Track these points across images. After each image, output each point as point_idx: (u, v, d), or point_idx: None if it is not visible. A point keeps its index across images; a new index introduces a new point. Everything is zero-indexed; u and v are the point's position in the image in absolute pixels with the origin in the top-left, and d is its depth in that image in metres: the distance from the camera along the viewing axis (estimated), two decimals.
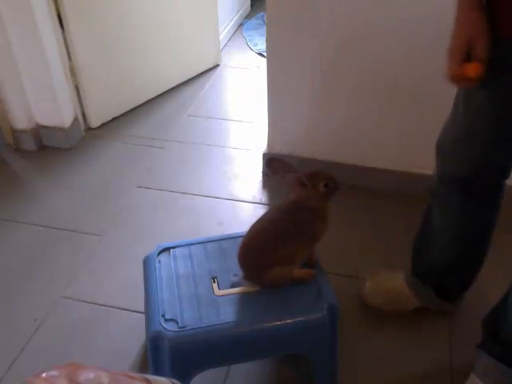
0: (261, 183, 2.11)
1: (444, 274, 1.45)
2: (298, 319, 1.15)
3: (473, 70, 1.03)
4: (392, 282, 1.55)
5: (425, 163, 1.54)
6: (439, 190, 1.33)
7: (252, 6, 3.61)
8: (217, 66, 2.93)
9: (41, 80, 2.15)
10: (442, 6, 1.61)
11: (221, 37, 2.99)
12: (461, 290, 1.51)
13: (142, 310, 1.33)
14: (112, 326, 1.56)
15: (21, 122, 2.25)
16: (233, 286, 1.20)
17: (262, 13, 3.44)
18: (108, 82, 2.40)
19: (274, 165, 1.21)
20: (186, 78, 2.77)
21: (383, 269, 1.61)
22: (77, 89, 2.32)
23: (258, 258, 1.17)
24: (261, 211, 1.95)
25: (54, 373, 0.50)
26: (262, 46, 3.07)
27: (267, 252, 1.16)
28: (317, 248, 1.29)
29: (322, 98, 1.87)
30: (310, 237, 1.21)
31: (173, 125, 2.46)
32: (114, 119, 2.49)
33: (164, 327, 1.12)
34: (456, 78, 1.06)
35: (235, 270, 1.22)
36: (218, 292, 1.19)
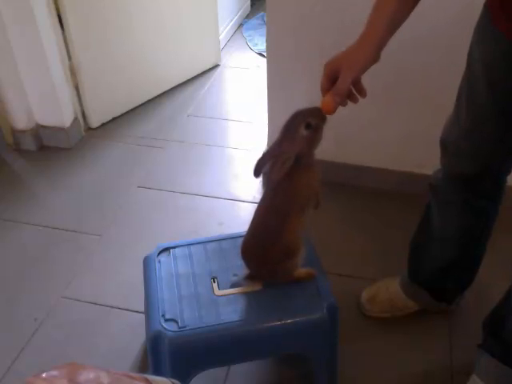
0: (261, 183, 2.11)
1: (442, 274, 1.45)
2: (298, 319, 1.15)
3: (325, 103, 1.02)
4: (387, 291, 1.55)
5: (424, 163, 1.55)
6: (442, 187, 1.33)
7: (252, 5, 3.61)
8: (217, 65, 2.93)
9: (41, 80, 2.15)
10: (440, 3, 1.61)
11: (221, 37, 2.99)
12: (459, 290, 1.51)
13: (142, 309, 1.33)
14: (112, 326, 1.56)
15: (21, 122, 2.25)
16: (233, 286, 1.20)
17: (262, 13, 3.44)
18: (108, 82, 2.40)
19: (260, 166, 1.10)
20: (185, 78, 2.77)
21: (379, 278, 1.61)
22: (77, 89, 2.32)
23: (261, 250, 1.16)
24: None
25: (54, 373, 0.50)
26: (262, 46, 3.07)
27: (269, 243, 1.15)
28: (317, 248, 1.29)
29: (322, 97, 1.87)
30: (304, 194, 1.11)
31: (173, 125, 2.46)
32: (113, 119, 2.49)
33: (164, 327, 1.12)
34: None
35: (235, 270, 1.22)
36: (217, 292, 1.19)
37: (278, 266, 1.17)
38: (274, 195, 1.12)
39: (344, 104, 1.04)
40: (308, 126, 1.03)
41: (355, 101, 1.06)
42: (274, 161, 1.05)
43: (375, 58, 1.01)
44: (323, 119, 1.04)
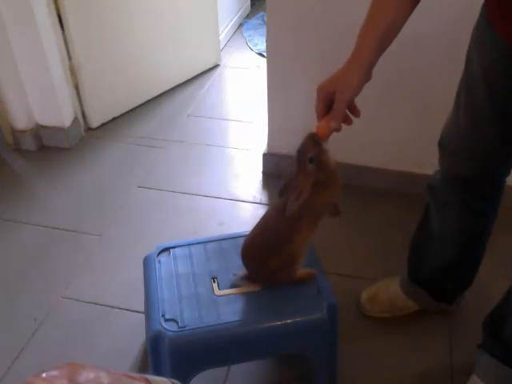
0: (261, 183, 2.11)
1: (442, 274, 1.45)
2: (298, 319, 1.15)
3: (320, 129, 1.03)
4: (387, 291, 1.55)
5: (424, 162, 1.55)
6: (440, 188, 1.33)
7: (252, 5, 3.61)
8: (217, 65, 2.93)
9: (41, 80, 2.15)
10: (441, 4, 1.61)
11: (221, 37, 2.99)
12: (458, 290, 1.51)
13: (142, 309, 1.33)
14: (112, 326, 1.56)
15: (21, 122, 2.25)
16: (233, 286, 1.20)
17: (262, 13, 3.44)
18: (108, 82, 2.40)
19: (283, 192, 1.11)
20: (185, 78, 2.77)
21: (379, 278, 1.61)
22: (77, 89, 2.32)
23: (264, 253, 1.15)
24: (261, 211, 1.95)
25: (54, 373, 0.50)
26: (261, 46, 3.07)
27: (274, 249, 1.14)
28: (317, 248, 1.29)
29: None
30: (320, 208, 1.13)
31: (173, 125, 2.46)
32: (113, 119, 2.49)
33: (164, 327, 1.11)
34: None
35: (235, 270, 1.22)
36: (217, 292, 1.19)
37: (277, 271, 1.17)
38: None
39: (338, 129, 1.04)
40: (311, 160, 1.06)
41: (349, 123, 1.06)
42: (290, 193, 1.07)
43: (367, 78, 1.02)
44: (320, 145, 1.06)
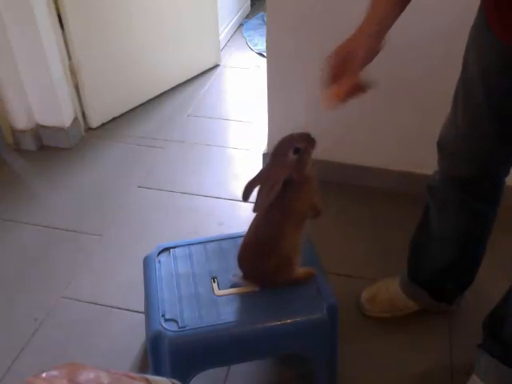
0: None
1: (441, 275, 1.45)
2: (298, 319, 1.15)
3: (335, 91, 0.98)
4: (387, 291, 1.55)
5: (424, 162, 1.55)
6: (440, 188, 1.33)
7: (252, 5, 3.61)
8: (217, 66, 2.93)
9: (41, 80, 2.15)
10: (440, 5, 1.61)
11: (221, 37, 2.99)
12: (458, 291, 1.51)
13: (142, 309, 1.33)
14: (112, 326, 1.56)
15: (21, 122, 2.25)
16: (233, 286, 1.20)
17: (262, 13, 3.44)
18: (108, 82, 2.40)
19: (249, 190, 1.08)
20: (185, 78, 2.77)
21: (379, 278, 1.61)
22: (77, 89, 2.32)
23: (258, 260, 1.16)
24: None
25: (54, 373, 0.50)
26: (261, 46, 3.07)
27: (265, 255, 1.15)
28: (317, 248, 1.29)
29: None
30: (298, 209, 1.10)
31: (173, 125, 2.46)
32: (113, 119, 2.49)
33: (164, 327, 1.12)
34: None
35: (235, 270, 1.22)
36: (217, 292, 1.19)
37: (275, 272, 1.17)
38: (270, 209, 1.09)
39: (347, 97, 1.00)
40: (297, 151, 1.03)
41: (364, 91, 0.99)
42: (261, 186, 1.04)
43: (381, 38, 0.95)
44: (312, 143, 1.04)
